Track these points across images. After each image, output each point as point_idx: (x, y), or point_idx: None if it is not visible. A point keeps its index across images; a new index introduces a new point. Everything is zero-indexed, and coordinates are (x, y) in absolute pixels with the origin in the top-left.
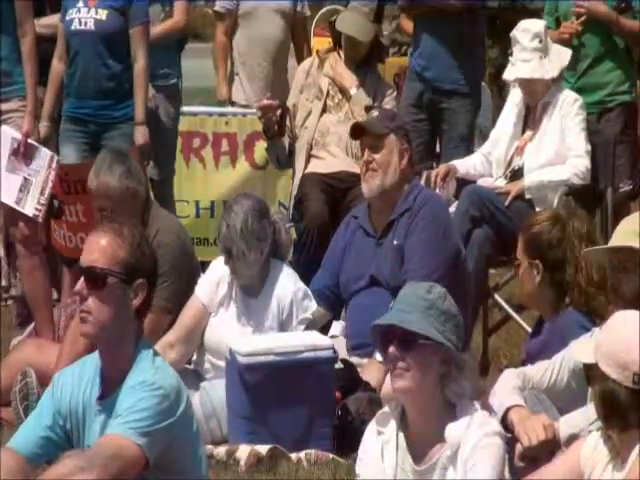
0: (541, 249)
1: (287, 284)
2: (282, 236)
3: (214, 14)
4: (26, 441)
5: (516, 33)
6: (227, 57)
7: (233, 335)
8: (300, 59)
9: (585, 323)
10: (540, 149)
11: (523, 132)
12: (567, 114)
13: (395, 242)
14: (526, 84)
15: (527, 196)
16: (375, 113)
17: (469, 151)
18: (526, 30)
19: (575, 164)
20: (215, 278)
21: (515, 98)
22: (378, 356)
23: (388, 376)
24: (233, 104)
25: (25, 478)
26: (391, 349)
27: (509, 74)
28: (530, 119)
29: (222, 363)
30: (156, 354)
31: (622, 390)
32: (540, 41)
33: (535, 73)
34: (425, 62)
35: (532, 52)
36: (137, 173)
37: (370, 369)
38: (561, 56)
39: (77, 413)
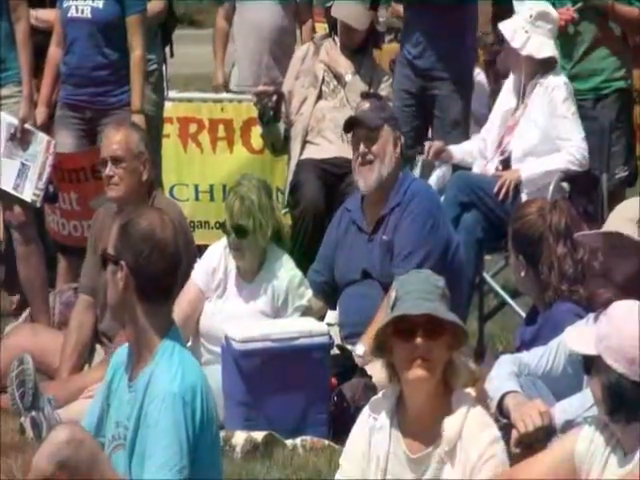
0: (523, 245)
1: (283, 270)
2: (282, 221)
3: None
4: (92, 412)
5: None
6: (226, 42)
7: (228, 320)
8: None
9: (579, 311)
10: (523, 136)
11: (516, 110)
12: (554, 99)
13: (384, 238)
14: (506, 47)
15: (524, 191)
16: (366, 105)
17: (464, 137)
18: (528, 3)
19: (572, 152)
20: (211, 264)
21: (511, 80)
22: (358, 349)
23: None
24: (227, 90)
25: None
26: (419, 340)
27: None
28: (522, 98)
29: (217, 349)
30: (178, 348)
31: (629, 384)
32: (530, 16)
33: (513, 41)
34: (416, 51)
35: (519, 20)
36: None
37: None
38: (541, 47)
39: (111, 389)
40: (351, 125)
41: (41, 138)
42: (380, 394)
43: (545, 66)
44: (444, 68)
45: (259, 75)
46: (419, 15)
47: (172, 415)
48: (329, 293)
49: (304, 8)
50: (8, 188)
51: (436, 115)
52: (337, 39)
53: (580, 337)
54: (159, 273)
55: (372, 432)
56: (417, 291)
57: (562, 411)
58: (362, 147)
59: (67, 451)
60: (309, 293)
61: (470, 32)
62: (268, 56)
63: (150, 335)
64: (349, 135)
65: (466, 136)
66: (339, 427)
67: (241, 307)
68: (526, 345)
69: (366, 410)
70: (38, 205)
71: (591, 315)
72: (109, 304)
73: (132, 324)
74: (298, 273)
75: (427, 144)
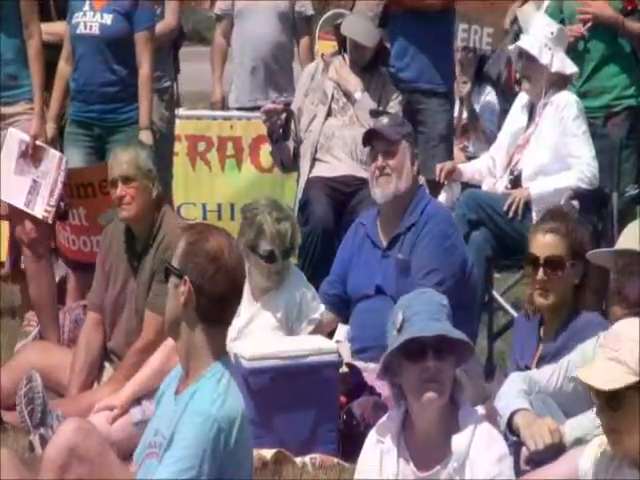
0: None
1: (296, 285)
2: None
3: (215, 17)
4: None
5: (533, 20)
6: (223, 59)
7: (241, 338)
8: (303, 61)
9: (605, 323)
10: (534, 155)
11: (527, 129)
12: (566, 117)
13: (400, 256)
14: (527, 65)
15: (533, 209)
16: (385, 119)
17: (449, 151)
18: (543, 21)
19: (582, 169)
20: None
21: (522, 99)
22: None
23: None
24: (223, 107)
25: None
26: (431, 363)
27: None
28: (532, 117)
29: None
30: (227, 375)
31: None
32: (552, 33)
33: (542, 58)
34: (400, 63)
35: (541, 37)
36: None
37: None
38: (565, 63)
39: (160, 397)
40: (370, 138)
41: (53, 155)
42: (385, 417)
43: (565, 82)
44: (430, 80)
45: (256, 90)
46: (403, 26)
47: (201, 433)
48: (340, 306)
49: (301, 24)
50: (20, 204)
51: (421, 130)
52: (346, 56)
53: (607, 374)
54: (220, 295)
55: (382, 456)
56: (425, 312)
57: (572, 429)
58: (380, 160)
59: (76, 438)
60: (322, 307)
61: (451, 42)
62: (264, 71)
63: (202, 354)
64: (359, 152)
65: (450, 150)
66: (348, 445)
67: (255, 324)
68: (550, 358)
69: (373, 434)
70: (50, 222)
71: (602, 334)
72: (166, 316)
73: (186, 340)
74: (310, 287)
75: (438, 166)
